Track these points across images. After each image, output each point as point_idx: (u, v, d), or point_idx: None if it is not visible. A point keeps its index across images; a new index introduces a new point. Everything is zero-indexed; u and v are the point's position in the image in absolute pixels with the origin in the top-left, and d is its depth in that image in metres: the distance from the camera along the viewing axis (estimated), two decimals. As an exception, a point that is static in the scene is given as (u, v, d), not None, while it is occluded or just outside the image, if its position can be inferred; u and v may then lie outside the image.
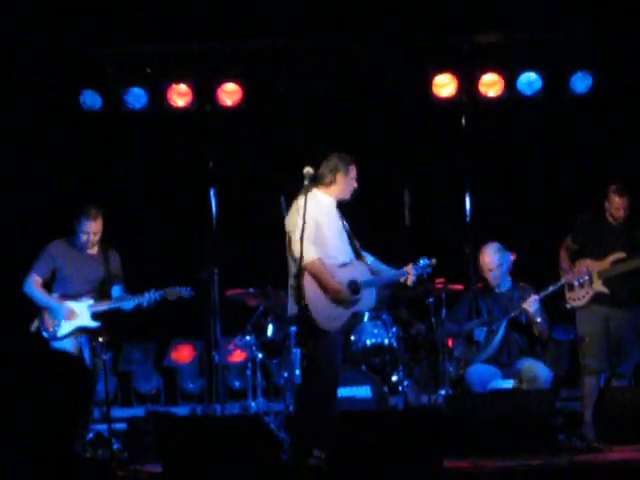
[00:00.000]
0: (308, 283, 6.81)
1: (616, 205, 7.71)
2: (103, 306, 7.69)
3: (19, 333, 7.84)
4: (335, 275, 6.91)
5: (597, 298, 7.73)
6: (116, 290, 7.82)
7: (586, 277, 7.69)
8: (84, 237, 7.71)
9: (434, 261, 7.30)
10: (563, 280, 7.76)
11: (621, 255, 7.69)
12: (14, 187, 9.49)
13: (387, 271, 7.32)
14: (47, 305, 7.64)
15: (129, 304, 7.72)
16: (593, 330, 7.71)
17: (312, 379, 6.90)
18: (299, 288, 6.57)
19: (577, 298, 7.77)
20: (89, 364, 7.43)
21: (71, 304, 7.64)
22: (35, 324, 7.66)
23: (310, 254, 6.80)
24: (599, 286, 7.69)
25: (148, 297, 7.68)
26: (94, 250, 7.80)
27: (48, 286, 7.76)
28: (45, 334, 7.57)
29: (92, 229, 7.70)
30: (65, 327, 7.60)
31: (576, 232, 7.91)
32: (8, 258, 8.97)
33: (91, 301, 7.68)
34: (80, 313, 7.63)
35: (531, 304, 7.67)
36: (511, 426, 7.02)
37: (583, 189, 9.46)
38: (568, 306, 7.83)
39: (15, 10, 8.71)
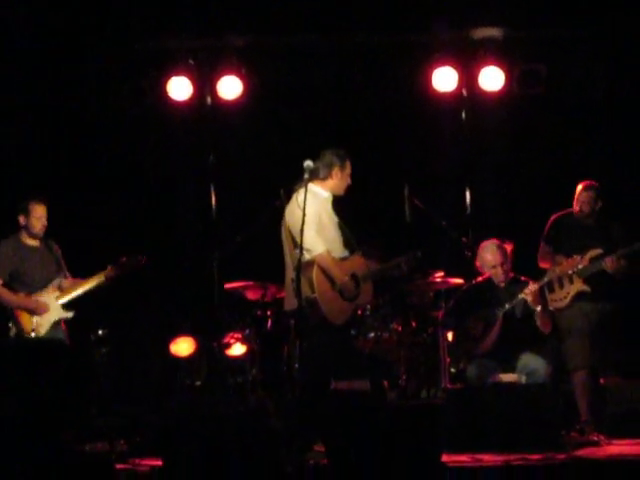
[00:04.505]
0: (317, 276, 6.83)
1: (582, 198, 7.80)
2: (69, 295, 7.64)
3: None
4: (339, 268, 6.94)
5: (578, 295, 7.74)
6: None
7: (579, 267, 7.66)
8: (39, 223, 7.60)
9: (419, 254, 7.34)
10: (557, 269, 7.76)
11: (598, 252, 7.70)
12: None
13: (376, 265, 7.37)
14: (18, 305, 7.51)
15: (89, 285, 7.66)
16: (576, 326, 7.71)
17: (313, 373, 6.92)
18: (300, 281, 6.57)
19: (559, 299, 7.78)
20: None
21: (41, 299, 7.57)
22: (13, 330, 7.50)
23: (319, 246, 6.83)
24: (580, 285, 7.71)
25: (104, 274, 7.65)
26: (37, 242, 7.71)
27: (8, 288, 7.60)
28: (26, 336, 7.41)
29: (44, 213, 7.61)
30: (44, 325, 7.50)
31: (549, 234, 7.94)
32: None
33: (57, 292, 7.61)
34: (52, 306, 7.56)
35: (530, 293, 7.66)
36: (510, 420, 7.00)
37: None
38: (551, 308, 7.83)
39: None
